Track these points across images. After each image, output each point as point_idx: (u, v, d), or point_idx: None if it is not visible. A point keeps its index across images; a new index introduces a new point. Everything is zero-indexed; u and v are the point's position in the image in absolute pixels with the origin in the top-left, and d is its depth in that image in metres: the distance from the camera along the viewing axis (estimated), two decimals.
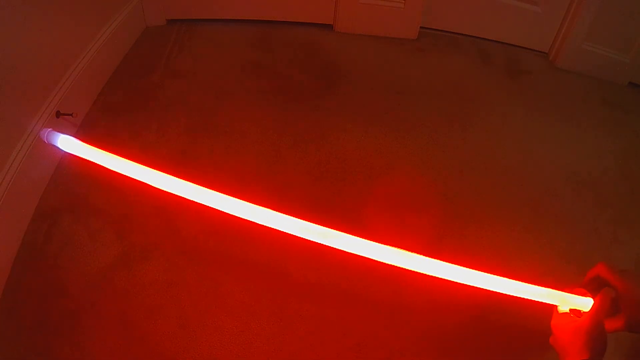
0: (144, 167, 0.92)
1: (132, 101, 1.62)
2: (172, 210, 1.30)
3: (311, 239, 0.85)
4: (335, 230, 0.84)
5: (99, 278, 1.17)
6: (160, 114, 1.58)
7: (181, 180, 0.89)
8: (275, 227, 0.85)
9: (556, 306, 0.84)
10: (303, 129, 1.60)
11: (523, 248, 1.36)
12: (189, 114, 1.60)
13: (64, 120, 1.38)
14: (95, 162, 0.97)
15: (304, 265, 1.25)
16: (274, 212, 0.86)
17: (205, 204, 0.87)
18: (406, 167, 1.54)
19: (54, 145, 0.98)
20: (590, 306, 0.78)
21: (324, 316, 1.17)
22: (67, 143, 0.98)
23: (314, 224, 0.85)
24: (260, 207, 0.85)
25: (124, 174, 0.93)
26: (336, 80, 1.81)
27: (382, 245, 0.84)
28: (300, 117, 1.64)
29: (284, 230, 0.86)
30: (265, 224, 0.85)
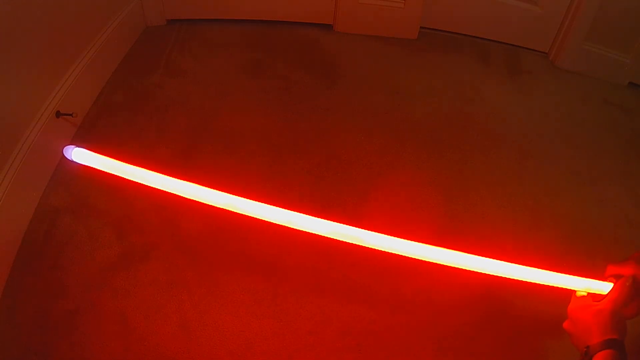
0: (161, 175, 0.91)
1: (132, 101, 1.62)
2: (172, 210, 1.30)
3: (310, 231, 0.85)
4: (336, 223, 0.84)
5: (99, 278, 1.17)
6: (160, 114, 1.58)
7: (205, 188, 0.88)
8: (276, 222, 0.85)
9: (574, 292, 0.84)
10: (303, 129, 1.60)
11: (523, 247, 1.36)
12: (189, 113, 1.60)
13: (64, 120, 1.38)
14: (114, 173, 0.95)
15: (304, 266, 1.25)
16: (275, 207, 0.85)
17: (214, 205, 0.87)
18: (406, 166, 1.54)
19: (73, 161, 0.98)
20: (610, 289, 0.79)
21: (324, 316, 1.17)
22: (82, 156, 0.96)
23: (313, 217, 0.85)
24: (262, 204, 0.85)
25: (143, 183, 0.93)
26: (336, 80, 1.81)
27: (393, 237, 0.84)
28: (300, 117, 1.64)
29: (284, 224, 0.85)
30: (267, 219, 0.85)
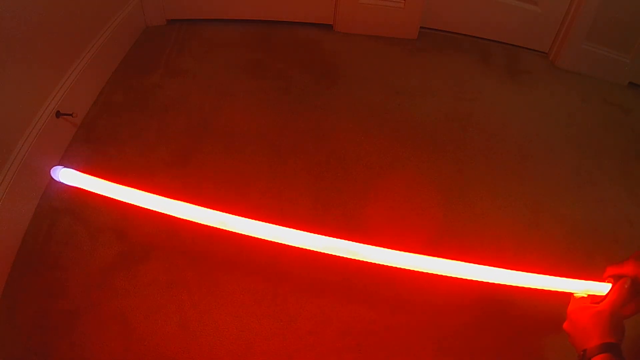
0: (151, 194, 0.90)
1: (132, 101, 1.62)
2: None
3: (310, 249, 0.84)
4: (334, 239, 0.83)
5: (99, 278, 1.17)
6: (160, 114, 1.58)
7: (186, 204, 0.87)
8: (276, 241, 0.84)
9: (572, 293, 0.84)
10: (303, 129, 1.60)
11: (523, 247, 1.36)
12: (189, 113, 1.60)
13: (64, 120, 1.38)
14: (103, 194, 0.92)
15: (304, 266, 1.25)
16: (274, 225, 0.84)
17: (205, 224, 0.86)
18: (406, 166, 1.54)
19: (62, 182, 0.93)
20: (608, 290, 0.79)
21: (324, 316, 1.17)
22: (70, 176, 0.93)
23: (311, 234, 0.84)
24: (258, 222, 0.84)
25: (133, 203, 0.91)
26: (336, 80, 1.81)
27: (389, 249, 0.83)
28: (300, 117, 1.64)
29: (286, 243, 0.84)
30: (265, 238, 0.84)
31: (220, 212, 0.84)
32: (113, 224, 1.27)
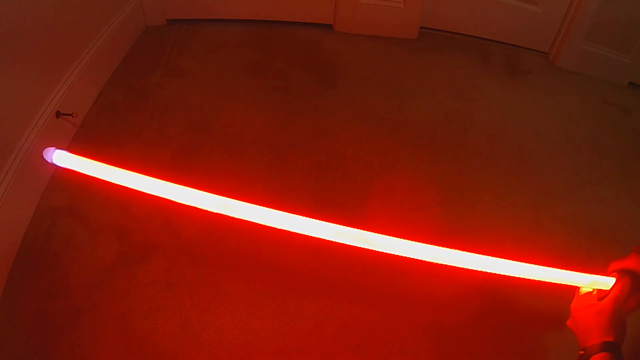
0: (144, 176, 0.89)
1: (132, 101, 1.62)
2: (171, 210, 1.30)
3: (310, 235, 0.84)
4: (337, 225, 0.82)
5: (99, 278, 1.17)
6: (160, 114, 1.58)
7: (180, 186, 0.86)
8: (277, 226, 0.84)
9: (578, 289, 0.84)
10: (303, 129, 1.60)
11: (523, 247, 1.36)
12: (189, 113, 1.60)
13: (64, 120, 1.38)
14: (97, 176, 0.91)
15: (304, 266, 1.25)
16: (276, 211, 0.84)
17: (206, 209, 0.85)
18: (406, 166, 1.54)
19: (53, 163, 0.92)
20: (612, 284, 0.79)
21: (324, 316, 1.17)
22: (64, 158, 0.92)
23: (313, 219, 0.84)
24: (261, 207, 0.84)
25: (127, 185, 0.91)
26: (336, 80, 1.81)
27: (393, 237, 0.82)
28: (300, 117, 1.64)
29: (285, 229, 0.84)
30: (267, 224, 0.84)
31: (222, 197, 0.82)
32: (113, 224, 1.28)
